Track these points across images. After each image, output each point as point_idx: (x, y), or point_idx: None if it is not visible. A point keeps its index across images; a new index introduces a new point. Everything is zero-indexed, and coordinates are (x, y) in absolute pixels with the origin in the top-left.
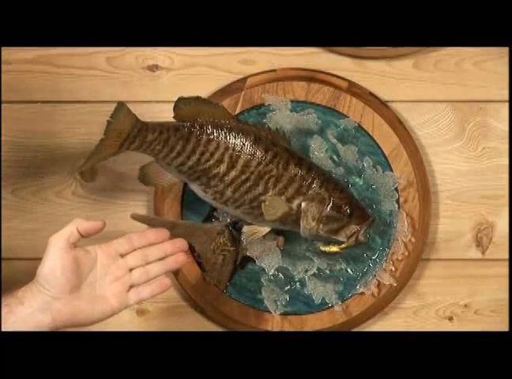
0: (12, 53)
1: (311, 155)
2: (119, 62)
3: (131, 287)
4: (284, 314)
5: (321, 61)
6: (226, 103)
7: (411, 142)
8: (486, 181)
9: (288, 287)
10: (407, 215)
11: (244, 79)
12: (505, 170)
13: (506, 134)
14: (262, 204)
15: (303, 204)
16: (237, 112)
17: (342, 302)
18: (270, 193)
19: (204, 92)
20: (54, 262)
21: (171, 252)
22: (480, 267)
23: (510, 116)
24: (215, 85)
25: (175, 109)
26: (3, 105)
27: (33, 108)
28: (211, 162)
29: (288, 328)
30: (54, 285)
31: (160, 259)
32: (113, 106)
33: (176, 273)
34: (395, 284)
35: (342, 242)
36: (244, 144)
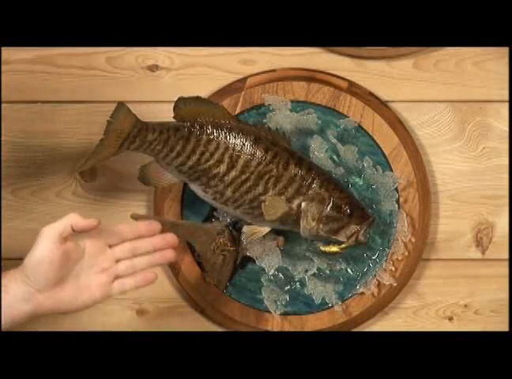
0: (12, 53)
1: (311, 155)
2: (119, 62)
3: (116, 277)
4: (284, 314)
5: (321, 61)
6: (226, 103)
7: (411, 142)
8: (486, 181)
9: (288, 287)
10: (407, 215)
11: (244, 79)
12: (505, 170)
13: (506, 134)
14: (262, 204)
15: (303, 204)
16: (237, 112)
17: (342, 302)
18: (270, 193)
19: (204, 92)
20: (43, 255)
21: (161, 247)
22: (480, 267)
23: (510, 116)
24: (215, 85)
25: (175, 109)
26: (3, 105)
27: (33, 108)
28: (211, 162)
29: (288, 328)
30: (39, 278)
31: (149, 252)
32: (113, 107)
33: (176, 273)
34: (395, 284)
35: (342, 242)
36: (244, 144)
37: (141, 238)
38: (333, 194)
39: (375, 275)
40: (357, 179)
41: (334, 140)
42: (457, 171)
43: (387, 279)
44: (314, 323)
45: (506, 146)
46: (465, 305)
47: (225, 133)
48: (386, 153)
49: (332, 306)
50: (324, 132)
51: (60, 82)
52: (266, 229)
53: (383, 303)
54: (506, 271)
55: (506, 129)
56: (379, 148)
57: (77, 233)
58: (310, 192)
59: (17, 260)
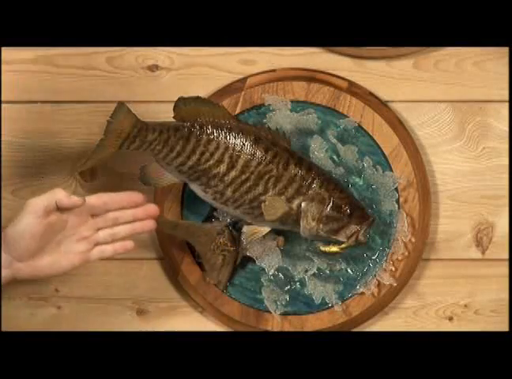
0: (12, 53)
1: (311, 155)
2: (119, 62)
3: (96, 244)
4: (284, 314)
5: (321, 61)
6: (226, 103)
7: (411, 142)
8: (486, 181)
9: (288, 287)
10: (407, 215)
11: (244, 79)
12: (505, 170)
13: (506, 134)
14: (262, 204)
15: (303, 204)
16: (237, 112)
17: (342, 302)
18: (270, 193)
19: (204, 92)
20: (25, 229)
21: (142, 217)
22: (480, 267)
23: (510, 116)
24: (215, 85)
25: (175, 109)
26: (3, 105)
27: (33, 108)
28: (211, 162)
29: (288, 328)
30: (19, 249)
31: (130, 222)
32: (113, 107)
33: (176, 273)
34: (395, 284)
35: (342, 242)
36: (244, 144)
37: (124, 209)
38: (333, 194)
39: (375, 275)
40: (357, 179)
41: (334, 140)
42: (457, 171)
43: (387, 279)
44: (314, 323)
45: (506, 146)
46: (465, 305)
47: (225, 133)
48: (386, 153)
49: (332, 306)
50: (324, 132)
51: (60, 82)
52: (266, 229)
53: (383, 303)
54: (506, 271)
55: (506, 129)
56: (379, 148)
57: (60, 209)
58: (310, 192)
59: None
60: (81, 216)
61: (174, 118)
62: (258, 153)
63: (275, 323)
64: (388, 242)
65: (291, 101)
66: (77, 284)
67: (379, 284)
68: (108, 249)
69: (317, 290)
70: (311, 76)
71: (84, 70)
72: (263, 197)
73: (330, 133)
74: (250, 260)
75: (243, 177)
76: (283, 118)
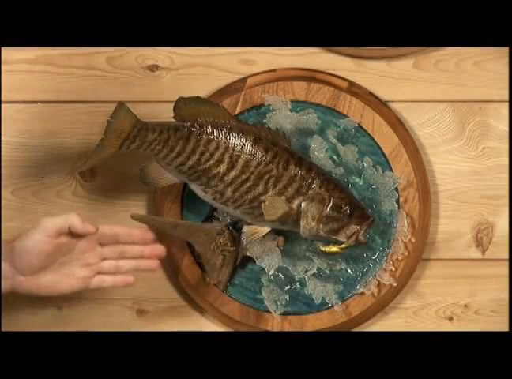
0: (12, 53)
1: (311, 155)
2: (119, 62)
3: (98, 273)
4: (284, 314)
5: (321, 61)
6: (226, 103)
7: (411, 142)
8: (486, 181)
9: (288, 287)
10: (407, 215)
11: (244, 79)
12: (505, 170)
13: (506, 134)
14: (262, 204)
15: (303, 204)
16: (237, 112)
17: (342, 302)
18: (270, 193)
19: (204, 92)
20: (34, 244)
21: (148, 256)
22: (480, 267)
23: (510, 116)
24: (215, 85)
25: (175, 109)
26: (3, 105)
27: (33, 108)
28: (211, 162)
29: (288, 328)
30: (24, 262)
31: (136, 257)
32: (113, 107)
33: (176, 273)
34: (395, 284)
35: (342, 242)
36: (244, 144)
37: (133, 244)
38: (333, 194)
39: (375, 275)
40: (357, 179)
41: (334, 140)
42: (457, 171)
43: (387, 279)
44: (314, 323)
45: (506, 146)
46: (465, 305)
47: (225, 133)
48: (386, 153)
49: (332, 306)
50: (324, 132)
51: (60, 82)
52: (266, 229)
53: (383, 303)
54: (506, 271)
55: (506, 129)
56: (379, 148)
57: (72, 234)
58: (310, 192)
59: None
60: (90, 243)
61: (174, 118)
62: (258, 153)
63: (275, 323)
64: (388, 242)
65: (291, 101)
66: None
67: (379, 284)
68: (109, 280)
69: (317, 290)
70: (311, 76)
71: (84, 70)
72: (263, 197)
73: (330, 133)
74: (250, 260)
75: (243, 177)
76: (283, 118)
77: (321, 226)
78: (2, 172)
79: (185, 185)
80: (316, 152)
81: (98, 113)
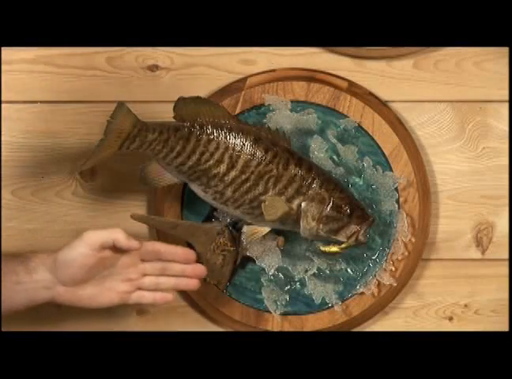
0: (12, 53)
1: (311, 155)
2: (119, 62)
3: (138, 288)
4: (284, 314)
5: (321, 61)
6: (226, 103)
7: (411, 142)
8: (486, 181)
9: (288, 287)
10: (407, 215)
11: (244, 79)
12: (505, 170)
13: (506, 134)
14: (262, 204)
15: (303, 204)
16: (237, 112)
17: (342, 302)
18: (270, 193)
19: (204, 92)
20: (77, 257)
21: (189, 274)
22: (480, 267)
23: (510, 116)
24: (215, 85)
25: (175, 109)
26: (3, 105)
27: (33, 108)
28: (211, 162)
29: (287, 328)
30: (66, 273)
31: (176, 275)
32: (113, 107)
33: None
34: (395, 284)
35: (342, 242)
36: (244, 144)
37: (175, 262)
38: (333, 194)
39: (375, 275)
40: (357, 179)
41: (334, 140)
42: (457, 171)
43: (387, 279)
44: (314, 323)
45: (506, 146)
46: (465, 305)
47: (225, 133)
48: (386, 153)
49: (332, 306)
50: (324, 132)
51: (60, 82)
52: (266, 229)
53: (383, 303)
54: (506, 271)
55: (506, 129)
56: (379, 148)
57: (116, 249)
58: (310, 192)
59: None
60: (132, 258)
61: (174, 118)
62: (258, 153)
63: (275, 323)
64: (388, 242)
65: (291, 101)
66: None
67: (379, 284)
68: (148, 297)
69: (317, 290)
70: (311, 76)
71: (84, 70)
72: (263, 197)
73: (330, 133)
74: (250, 260)
75: (243, 177)
76: (283, 118)
77: (321, 226)
78: (2, 172)
79: (185, 185)
80: (316, 152)
81: (98, 113)
